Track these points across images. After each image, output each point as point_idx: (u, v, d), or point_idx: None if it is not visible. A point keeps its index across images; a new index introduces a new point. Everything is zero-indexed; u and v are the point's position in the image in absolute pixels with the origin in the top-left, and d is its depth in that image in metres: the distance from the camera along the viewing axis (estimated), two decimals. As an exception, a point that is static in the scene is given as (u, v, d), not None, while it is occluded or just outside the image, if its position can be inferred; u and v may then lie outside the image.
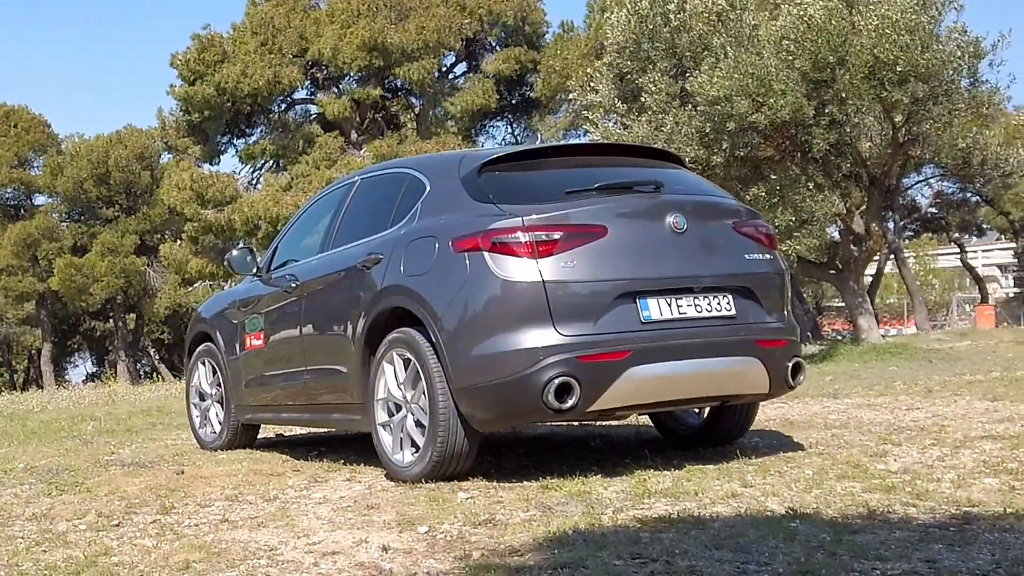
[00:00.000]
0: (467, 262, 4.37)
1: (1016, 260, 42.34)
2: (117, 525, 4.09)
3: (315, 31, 23.16)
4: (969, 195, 34.74)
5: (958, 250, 39.85)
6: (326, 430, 7.34)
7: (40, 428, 9.85)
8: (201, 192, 23.31)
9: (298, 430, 7.71)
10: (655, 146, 6.20)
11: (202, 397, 6.69)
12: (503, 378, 4.24)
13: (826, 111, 11.23)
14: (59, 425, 10.01)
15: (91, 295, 30.73)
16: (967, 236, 39.77)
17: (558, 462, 4.97)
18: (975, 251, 47.30)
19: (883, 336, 15.33)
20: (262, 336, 5.91)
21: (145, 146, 31.22)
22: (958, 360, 11.98)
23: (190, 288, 35.30)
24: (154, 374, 36.59)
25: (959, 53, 11.52)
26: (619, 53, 12.13)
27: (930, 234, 41.57)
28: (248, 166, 25.42)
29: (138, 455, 6.54)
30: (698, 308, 4.48)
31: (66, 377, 40.94)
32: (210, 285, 36.22)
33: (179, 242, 25.98)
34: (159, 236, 31.98)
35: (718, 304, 4.53)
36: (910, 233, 38.31)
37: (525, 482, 4.43)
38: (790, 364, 4.71)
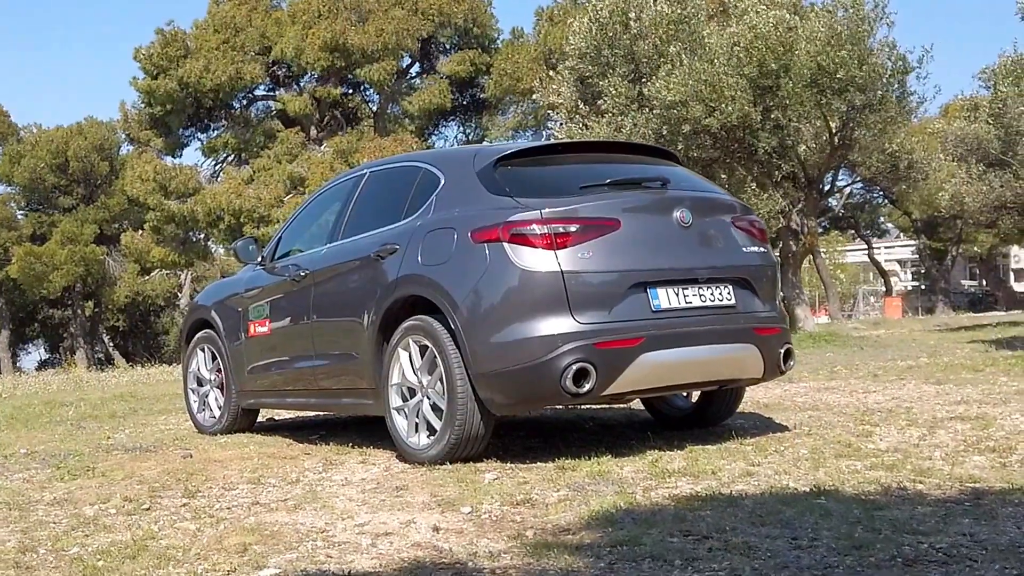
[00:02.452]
0: (487, 252, 4.28)
1: (916, 256, 43.66)
2: (148, 509, 3.90)
3: (277, 31, 22.60)
4: (874, 197, 35.80)
5: (865, 246, 40.95)
6: (317, 413, 7.18)
7: (17, 413, 9.40)
8: (164, 184, 22.59)
9: (287, 414, 7.52)
10: (657, 145, 6.16)
11: (200, 383, 6.47)
12: (522, 364, 4.17)
13: (771, 116, 11.37)
14: (36, 410, 9.58)
15: (50, 283, 29.59)
16: (872, 234, 40.95)
17: (562, 444, 4.92)
18: (878, 247, 48.66)
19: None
20: (267, 323, 5.72)
21: (105, 137, 30.13)
22: (886, 347, 12.25)
23: (147, 277, 34.35)
24: (110, 361, 35.49)
25: (890, 66, 11.77)
26: (581, 58, 12.10)
27: (839, 231, 42.65)
28: (210, 159, 24.75)
29: (136, 439, 6.30)
30: (702, 298, 4.47)
31: (18, 364, 39.44)
32: (167, 274, 35.31)
33: (140, 232, 25.17)
34: (118, 226, 30.97)
35: (720, 294, 4.52)
36: (820, 231, 39.23)
37: (539, 463, 4.36)
38: (782, 351, 4.74)
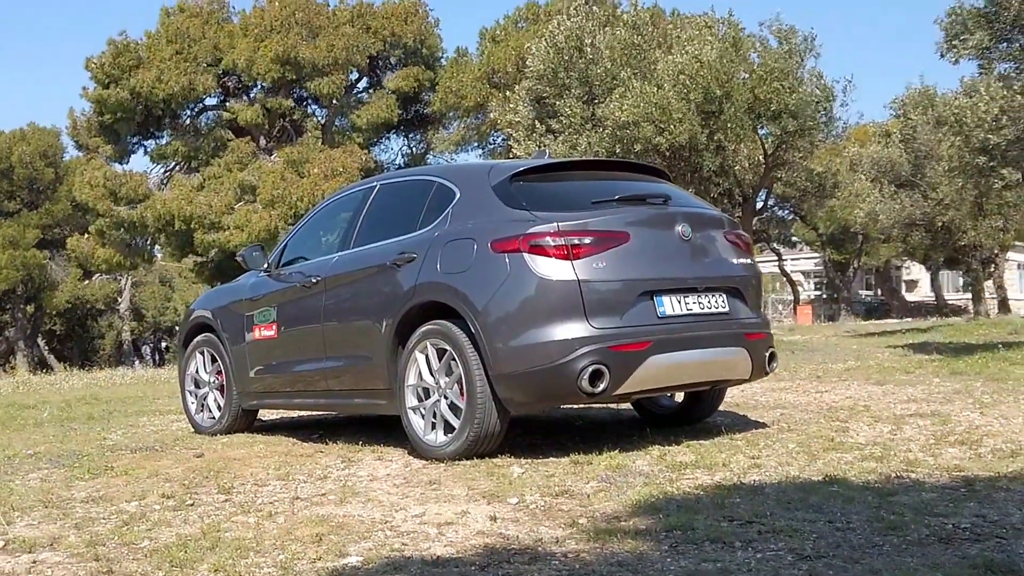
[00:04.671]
0: (507, 262, 4.39)
1: (822, 268, 45.32)
2: (192, 505, 3.87)
3: (229, 43, 22.18)
4: (785, 213, 37.07)
5: (774, 258, 42.29)
6: (302, 414, 7.13)
7: (-15, 415, 8.99)
8: (114, 190, 21.92)
9: (272, 414, 7.44)
10: (654, 165, 6.36)
11: (198, 384, 6.38)
12: (542, 365, 4.28)
13: (714, 138, 11.74)
14: (6, 413, 9.20)
15: (-11, 287, 28.34)
16: (781, 246, 42.34)
17: (566, 441, 5.02)
18: (786, 259, 50.29)
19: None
20: (274, 327, 5.69)
21: (49, 144, 29.04)
22: (814, 351, 12.71)
23: (87, 282, 33.19)
24: (45, 365, 34.06)
25: (817, 95, 12.30)
26: (538, 79, 12.30)
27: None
28: (159, 166, 24.11)
29: (135, 440, 6.16)
30: (701, 305, 4.65)
31: (-52, 367, 37.44)
32: (107, 279, 34.16)
33: (86, 236, 24.34)
34: (59, 231, 29.88)
35: (715, 302, 4.72)
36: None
37: (552, 458, 4.47)
38: (767, 354, 4.97)
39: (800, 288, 56.49)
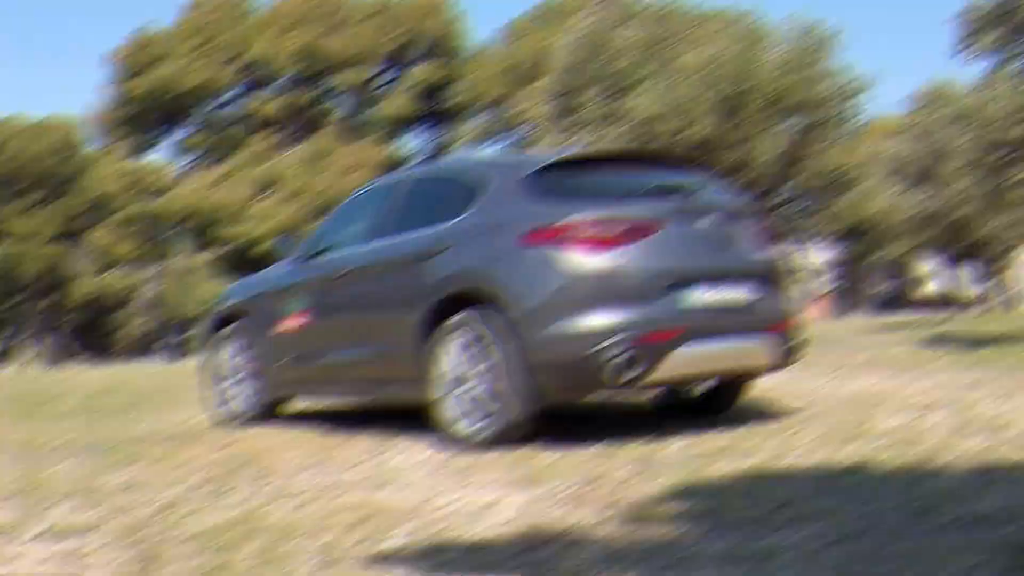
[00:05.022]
0: (540, 251, 4.45)
1: (838, 261, 45.20)
2: (228, 491, 3.92)
3: (252, 37, 22.35)
4: (803, 206, 36.91)
5: (792, 251, 42.11)
6: (328, 402, 7.16)
7: (12, 407, 8.96)
8: (135, 182, 22.17)
9: (299, 403, 7.45)
10: (680, 154, 6.39)
11: (226, 374, 6.42)
12: (576, 354, 4.34)
13: (736, 133, 11.72)
14: (28, 405, 9.18)
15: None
16: (797, 240, 42.24)
17: (590, 431, 5.01)
18: (802, 252, 50.00)
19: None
20: (306, 316, 5.75)
21: (70, 136, 29.25)
22: (832, 343, 12.64)
23: (106, 274, 33.45)
24: (61, 357, 34.21)
25: (841, 88, 12.23)
26: (562, 73, 12.31)
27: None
28: (180, 159, 24.34)
29: (163, 430, 6.16)
30: (729, 294, 4.69)
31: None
32: (125, 271, 34.39)
33: (107, 228, 24.54)
34: (79, 223, 30.09)
35: (742, 291, 4.77)
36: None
37: (579, 448, 4.47)
38: (793, 343, 5.00)
39: (816, 281, 56.28)
